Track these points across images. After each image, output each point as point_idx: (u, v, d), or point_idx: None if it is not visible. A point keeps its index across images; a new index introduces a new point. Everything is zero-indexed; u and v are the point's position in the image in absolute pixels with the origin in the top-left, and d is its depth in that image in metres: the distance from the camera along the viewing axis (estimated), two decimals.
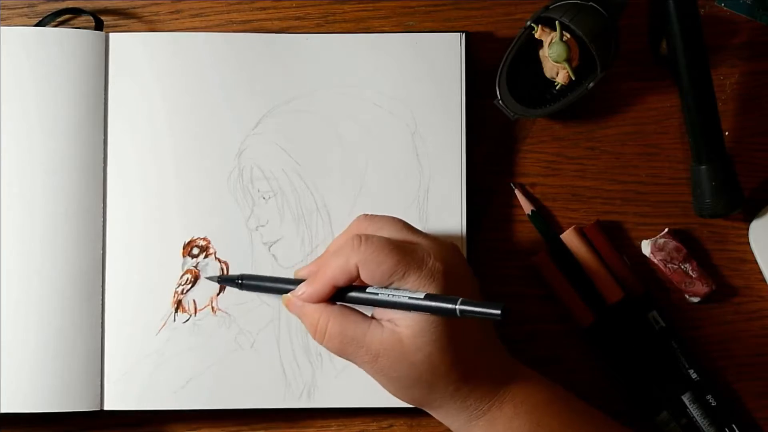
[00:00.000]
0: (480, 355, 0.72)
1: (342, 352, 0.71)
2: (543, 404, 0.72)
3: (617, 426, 0.74)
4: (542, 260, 0.80)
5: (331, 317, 0.71)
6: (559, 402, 0.73)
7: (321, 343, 0.72)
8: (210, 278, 0.79)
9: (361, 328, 0.70)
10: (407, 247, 0.70)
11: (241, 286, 0.77)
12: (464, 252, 0.79)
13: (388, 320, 0.70)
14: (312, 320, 0.72)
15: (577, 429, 0.72)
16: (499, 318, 0.66)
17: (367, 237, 0.70)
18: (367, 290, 0.71)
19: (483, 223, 0.81)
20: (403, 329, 0.69)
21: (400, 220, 0.74)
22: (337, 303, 0.72)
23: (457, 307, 0.67)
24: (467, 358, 0.71)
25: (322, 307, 0.71)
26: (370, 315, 0.72)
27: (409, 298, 0.69)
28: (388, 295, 0.69)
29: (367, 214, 0.74)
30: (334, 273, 0.70)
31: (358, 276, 0.70)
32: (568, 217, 0.82)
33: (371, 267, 0.69)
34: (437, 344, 0.69)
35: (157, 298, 0.79)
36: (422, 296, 0.68)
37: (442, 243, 0.72)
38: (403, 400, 0.73)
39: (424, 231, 0.74)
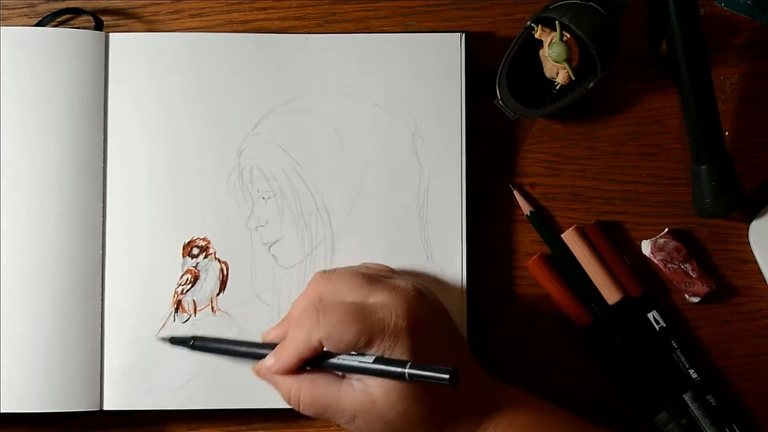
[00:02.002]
0: (459, 395, 0.71)
1: (320, 417, 0.72)
2: (529, 424, 0.72)
3: None
4: (538, 263, 0.80)
5: (302, 386, 0.71)
6: (545, 421, 0.73)
7: (297, 410, 0.72)
8: (163, 339, 0.78)
9: (333, 391, 0.70)
10: (368, 312, 0.70)
11: (193, 347, 0.77)
12: (464, 252, 0.79)
13: (358, 379, 0.70)
14: (284, 390, 0.72)
15: None
16: (447, 383, 0.65)
17: (326, 310, 0.70)
18: (326, 358, 0.71)
19: (483, 223, 0.81)
20: (374, 388, 0.69)
21: (360, 275, 0.73)
22: (307, 368, 0.72)
23: (406, 371, 0.67)
24: (445, 403, 0.70)
25: (291, 377, 0.72)
26: (340, 374, 0.71)
27: (359, 362, 0.69)
28: (341, 359, 0.70)
29: (325, 272, 0.74)
30: (298, 348, 0.70)
31: (323, 347, 0.70)
32: (568, 217, 0.82)
33: (334, 340, 0.69)
34: (410, 399, 0.69)
35: (157, 298, 0.79)
36: (371, 360, 0.69)
37: (406, 294, 0.71)
38: None
39: (387, 271, 0.75)
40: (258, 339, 0.77)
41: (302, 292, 0.75)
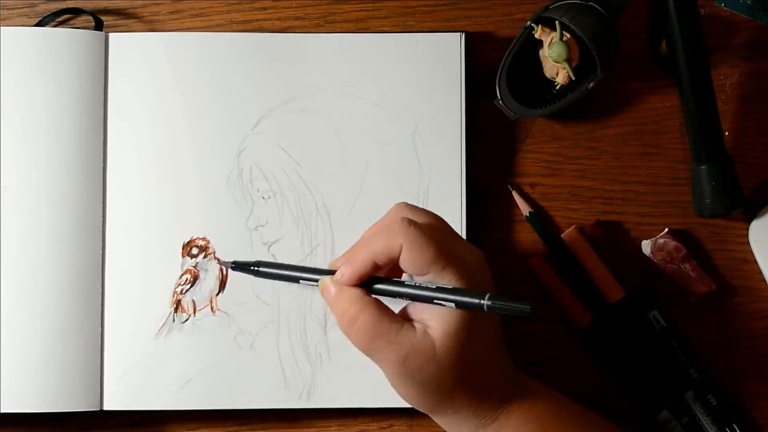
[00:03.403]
0: (495, 365, 0.71)
1: (369, 345, 0.68)
2: (548, 412, 0.72)
3: (616, 429, 0.74)
4: (538, 263, 0.80)
5: (366, 308, 0.68)
6: (563, 410, 0.73)
7: (349, 333, 0.69)
8: (224, 263, 0.77)
9: (395, 326, 0.68)
10: (450, 242, 0.69)
11: (257, 273, 0.73)
12: None
13: (419, 321, 0.69)
14: (344, 308, 0.69)
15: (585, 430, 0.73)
16: (528, 313, 0.64)
17: (416, 222, 0.68)
18: (398, 283, 0.69)
19: (483, 223, 0.81)
20: (435, 331, 0.67)
21: (442, 219, 0.72)
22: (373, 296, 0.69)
23: (485, 302, 0.65)
24: (486, 367, 0.70)
25: (358, 296, 0.68)
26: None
27: (438, 288, 0.67)
28: (417, 285, 0.68)
29: (409, 204, 0.72)
30: (376, 250, 0.68)
31: (398, 259, 0.68)
32: (568, 217, 0.82)
33: (416, 251, 0.67)
34: (466, 350, 0.68)
35: (157, 298, 0.79)
36: (450, 287, 0.67)
37: (476, 249, 0.71)
38: (416, 404, 0.71)
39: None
40: (258, 339, 0.77)
41: (382, 218, 0.72)
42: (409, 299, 0.69)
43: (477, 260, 0.70)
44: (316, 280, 0.71)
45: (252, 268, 0.73)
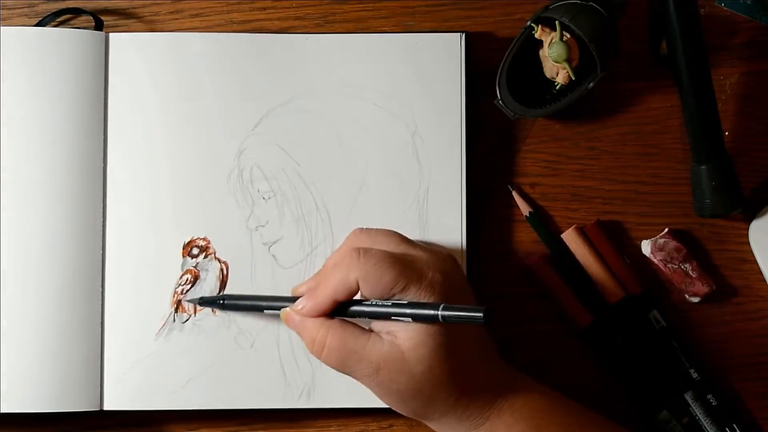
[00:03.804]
0: (479, 365, 0.72)
1: (342, 366, 0.71)
2: (541, 409, 0.72)
3: (614, 427, 0.74)
4: (538, 263, 0.80)
5: (330, 330, 0.70)
6: (557, 406, 0.73)
7: (320, 358, 0.71)
8: (191, 301, 0.78)
9: (361, 340, 0.70)
10: (407, 260, 0.70)
11: (224, 307, 0.78)
12: (463, 253, 0.79)
13: (387, 333, 0.70)
14: (311, 334, 0.71)
15: (576, 430, 0.73)
16: (481, 321, 0.65)
17: (367, 250, 0.70)
18: (356, 303, 0.71)
19: (483, 223, 0.81)
20: (403, 341, 0.69)
21: (397, 233, 0.74)
22: (335, 317, 0.72)
23: (439, 312, 0.67)
24: (467, 369, 0.71)
25: (321, 321, 0.71)
26: (367, 328, 0.72)
27: (392, 305, 0.69)
28: (374, 304, 0.70)
29: (363, 228, 0.75)
30: (335, 287, 0.70)
31: (358, 290, 0.70)
32: (568, 217, 0.82)
33: (372, 281, 0.69)
34: (437, 355, 0.69)
35: (157, 298, 0.79)
36: (405, 302, 0.69)
37: (439, 254, 0.73)
38: (402, 412, 0.72)
39: (419, 240, 0.75)
40: (258, 339, 0.77)
41: (339, 246, 0.75)
42: (370, 317, 0.70)
43: (443, 266, 0.71)
44: (279, 308, 0.74)
45: (219, 302, 0.77)
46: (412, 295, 0.69)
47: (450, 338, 0.69)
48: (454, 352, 0.70)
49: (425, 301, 0.69)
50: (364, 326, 0.71)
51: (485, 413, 0.71)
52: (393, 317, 0.69)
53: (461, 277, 0.74)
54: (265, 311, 0.76)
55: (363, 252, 0.70)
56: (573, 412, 0.74)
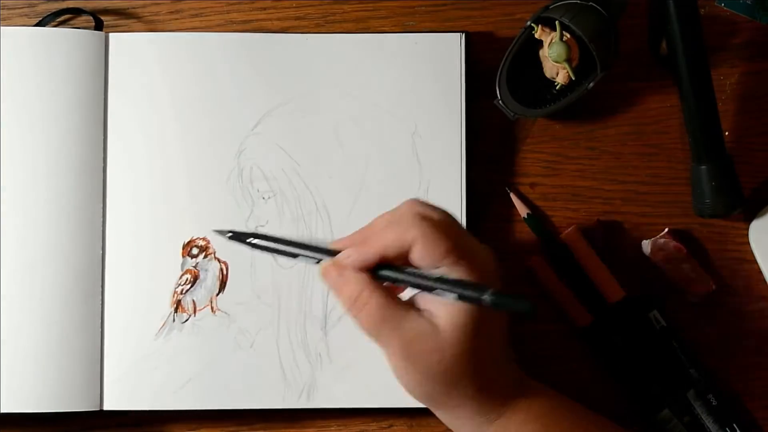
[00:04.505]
0: (502, 362, 0.71)
1: (375, 331, 0.68)
2: (552, 410, 0.72)
3: (619, 429, 0.74)
4: (537, 263, 0.80)
5: (375, 291, 0.67)
6: (566, 408, 0.73)
7: (356, 316, 0.68)
8: (220, 232, 0.73)
9: (401, 311, 0.68)
10: (463, 238, 0.68)
11: (253, 246, 0.71)
12: None
13: (426, 310, 0.68)
14: (352, 290, 0.68)
15: (584, 430, 0.73)
16: (528, 311, 0.64)
17: (431, 217, 0.68)
18: (401, 270, 0.68)
19: (483, 222, 0.81)
20: (442, 320, 0.67)
21: (453, 216, 0.71)
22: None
23: (487, 296, 0.65)
24: (492, 363, 0.70)
25: (366, 279, 0.68)
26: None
27: (440, 278, 0.66)
28: (421, 274, 0.67)
29: (421, 199, 0.71)
30: (387, 243, 0.67)
31: (407, 254, 0.67)
32: (568, 217, 0.82)
33: (429, 245, 0.67)
34: (473, 342, 0.67)
35: (157, 299, 0.79)
36: (453, 279, 0.67)
37: (486, 246, 0.71)
38: (416, 395, 0.70)
39: None
40: (258, 339, 0.77)
41: (392, 210, 0.70)
42: (412, 286, 0.68)
43: (487, 257, 0.70)
44: (317, 260, 0.70)
45: (247, 241, 0.71)
46: (462, 271, 0.67)
47: (486, 329, 0.68)
48: (487, 343, 0.69)
49: (470, 280, 0.67)
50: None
51: (500, 409, 0.71)
52: (438, 290, 0.67)
53: (498, 273, 0.71)
54: (299, 257, 0.70)
55: (425, 215, 0.68)
56: (582, 417, 0.74)
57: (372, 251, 0.68)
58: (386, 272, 0.68)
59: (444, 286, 0.66)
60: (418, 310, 0.68)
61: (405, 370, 0.68)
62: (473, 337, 0.67)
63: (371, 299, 0.67)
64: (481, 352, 0.69)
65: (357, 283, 0.68)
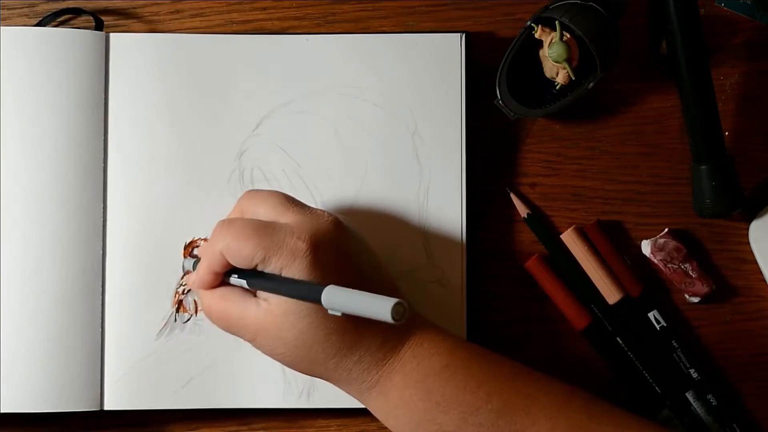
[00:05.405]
0: (363, 323, 0.68)
1: (229, 332, 0.72)
2: (435, 371, 0.69)
3: (537, 377, 0.71)
4: (536, 264, 0.80)
5: (214, 300, 0.71)
6: (455, 366, 0.70)
7: (212, 322, 0.72)
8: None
9: (240, 307, 0.70)
10: (267, 230, 0.69)
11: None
12: (463, 252, 0.79)
13: (264, 299, 0.70)
14: (202, 303, 0.73)
15: (472, 391, 0.69)
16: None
17: (231, 221, 0.70)
18: (235, 273, 0.71)
19: (483, 223, 0.81)
20: (275, 307, 0.69)
21: (279, 195, 0.72)
22: (227, 282, 0.72)
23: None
24: (346, 330, 0.69)
25: (209, 290, 0.72)
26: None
27: (269, 277, 0.68)
28: (254, 275, 0.69)
29: (252, 190, 0.74)
30: (209, 260, 0.71)
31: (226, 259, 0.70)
32: (568, 217, 0.82)
33: (233, 253, 0.69)
34: (308, 320, 0.68)
35: (158, 298, 0.79)
36: (283, 278, 0.68)
37: (316, 219, 0.70)
38: (297, 371, 0.72)
39: (307, 205, 0.72)
40: None
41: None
42: (249, 288, 0.71)
43: (314, 232, 0.69)
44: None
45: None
46: (273, 265, 0.68)
47: (320, 309, 0.66)
48: (327, 320, 0.68)
49: (287, 270, 0.68)
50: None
51: (374, 375, 0.70)
52: (273, 292, 0.69)
53: (343, 241, 0.70)
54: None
55: (227, 223, 0.70)
56: (475, 369, 0.70)
57: (202, 272, 0.71)
58: (233, 278, 0.71)
59: (274, 288, 0.68)
60: (257, 300, 0.70)
61: (271, 359, 0.71)
62: (308, 315, 0.68)
63: (213, 306, 0.72)
64: (324, 325, 0.68)
65: (203, 295, 0.72)
